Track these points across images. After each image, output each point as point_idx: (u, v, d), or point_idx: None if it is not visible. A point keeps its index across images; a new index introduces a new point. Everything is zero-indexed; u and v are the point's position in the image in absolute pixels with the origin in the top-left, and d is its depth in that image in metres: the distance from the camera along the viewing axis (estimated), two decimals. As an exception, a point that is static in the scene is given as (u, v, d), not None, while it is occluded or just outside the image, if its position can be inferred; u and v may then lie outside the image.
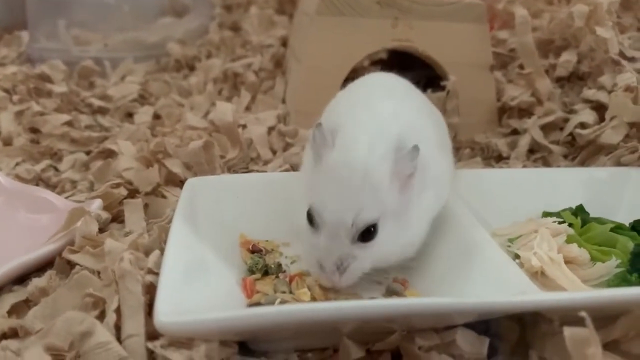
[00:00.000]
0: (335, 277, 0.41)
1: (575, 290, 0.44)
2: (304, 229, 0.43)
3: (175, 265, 0.39)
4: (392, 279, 0.46)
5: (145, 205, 0.59)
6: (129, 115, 0.86)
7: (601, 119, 0.66)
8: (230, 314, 0.34)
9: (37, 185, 0.68)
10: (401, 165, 0.42)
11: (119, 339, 0.37)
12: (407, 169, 0.42)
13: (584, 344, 0.33)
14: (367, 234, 0.41)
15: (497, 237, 0.50)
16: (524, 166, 0.66)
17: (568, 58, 0.75)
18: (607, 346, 0.39)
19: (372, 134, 0.43)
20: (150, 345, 0.35)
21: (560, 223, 0.51)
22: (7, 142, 0.74)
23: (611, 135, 0.62)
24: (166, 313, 0.34)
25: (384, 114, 0.45)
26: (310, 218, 0.42)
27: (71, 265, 0.47)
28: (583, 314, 0.32)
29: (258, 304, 0.42)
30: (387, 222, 0.42)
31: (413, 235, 0.45)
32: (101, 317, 0.39)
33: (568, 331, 0.33)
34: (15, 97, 0.82)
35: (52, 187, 0.67)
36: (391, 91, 0.51)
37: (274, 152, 0.68)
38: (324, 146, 0.43)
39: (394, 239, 0.42)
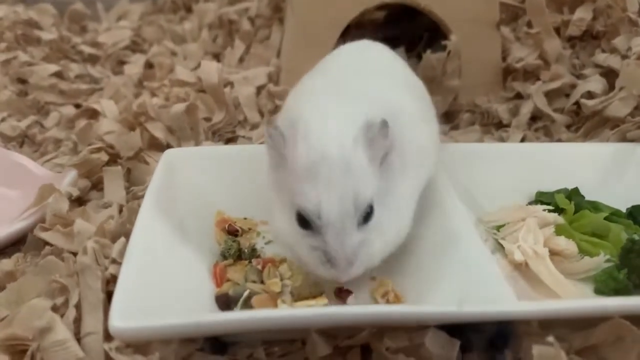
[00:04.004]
0: (348, 270, 0.39)
1: (556, 287, 0.42)
2: (293, 233, 0.40)
3: (137, 259, 0.38)
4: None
5: (128, 171, 0.58)
6: (121, 64, 0.84)
7: (611, 86, 0.62)
8: (186, 321, 0.33)
9: (22, 143, 0.67)
10: (374, 144, 0.40)
11: (79, 334, 0.36)
12: (381, 148, 0.40)
13: (551, 363, 0.32)
14: (367, 215, 0.39)
15: (484, 223, 0.48)
16: (524, 135, 0.63)
17: (582, 16, 0.69)
18: (585, 351, 0.38)
19: (338, 119, 0.40)
20: (105, 346, 0.34)
21: (550, 211, 0.48)
22: (-7, 95, 0.72)
23: (618, 107, 0.58)
24: (121, 317, 0.33)
25: (349, 94, 0.42)
26: (303, 221, 0.39)
27: (44, 242, 0.47)
28: (550, 339, 0.31)
29: (226, 295, 0.41)
30: (376, 203, 0.40)
31: (403, 216, 0.43)
32: (66, 304, 0.39)
33: (536, 350, 0.33)
34: (1, 45, 0.80)
35: (36, 145, 0.66)
36: (359, 66, 0.48)
37: (262, 115, 0.65)
38: (286, 146, 0.40)
39: (387, 221, 0.41)
